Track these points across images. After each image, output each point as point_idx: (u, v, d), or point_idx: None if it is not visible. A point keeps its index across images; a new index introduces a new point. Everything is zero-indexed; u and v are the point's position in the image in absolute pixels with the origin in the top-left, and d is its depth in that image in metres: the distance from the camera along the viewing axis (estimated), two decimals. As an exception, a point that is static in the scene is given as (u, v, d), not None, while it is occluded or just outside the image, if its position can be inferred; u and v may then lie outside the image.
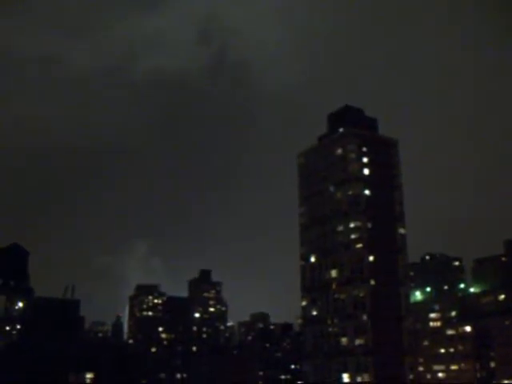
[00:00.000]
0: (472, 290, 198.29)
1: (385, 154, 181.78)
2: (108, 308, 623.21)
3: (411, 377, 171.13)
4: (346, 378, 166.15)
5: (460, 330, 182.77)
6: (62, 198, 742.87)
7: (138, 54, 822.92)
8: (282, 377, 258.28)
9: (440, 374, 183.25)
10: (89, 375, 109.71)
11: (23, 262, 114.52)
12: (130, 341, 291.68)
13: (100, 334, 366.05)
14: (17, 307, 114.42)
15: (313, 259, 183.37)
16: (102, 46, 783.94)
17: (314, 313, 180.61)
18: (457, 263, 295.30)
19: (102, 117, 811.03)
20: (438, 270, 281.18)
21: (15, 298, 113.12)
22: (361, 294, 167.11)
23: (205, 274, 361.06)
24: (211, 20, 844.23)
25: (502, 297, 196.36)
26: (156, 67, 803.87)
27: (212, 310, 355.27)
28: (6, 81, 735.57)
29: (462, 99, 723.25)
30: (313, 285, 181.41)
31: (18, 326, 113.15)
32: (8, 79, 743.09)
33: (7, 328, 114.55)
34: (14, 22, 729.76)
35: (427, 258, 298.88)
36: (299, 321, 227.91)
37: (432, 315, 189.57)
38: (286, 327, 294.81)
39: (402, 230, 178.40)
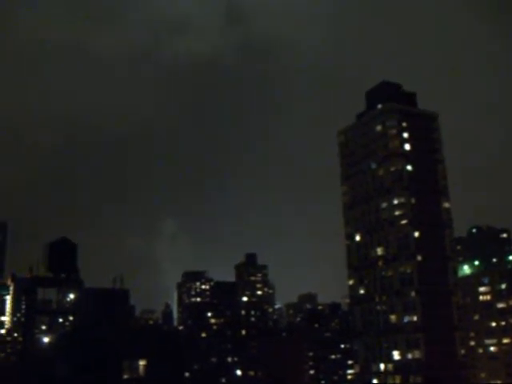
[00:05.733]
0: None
1: (425, 128, 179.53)
2: (155, 296, 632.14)
3: (463, 352, 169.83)
4: (396, 355, 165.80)
5: (511, 302, 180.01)
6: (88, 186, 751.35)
7: (164, 38, 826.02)
8: (332, 356, 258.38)
9: (492, 348, 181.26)
10: (142, 362, 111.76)
11: (72, 254, 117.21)
12: (180, 327, 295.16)
13: (151, 322, 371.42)
14: (68, 299, 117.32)
15: (358, 238, 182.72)
16: (127, 31, 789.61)
17: (362, 291, 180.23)
18: (504, 235, 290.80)
19: (128, 101, 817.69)
20: (486, 243, 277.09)
21: (66, 290, 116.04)
22: (408, 271, 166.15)
23: (250, 258, 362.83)
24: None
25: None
26: (182, 50, 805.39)
27: (259, 293, 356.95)
28: (41, 69, 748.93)
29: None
30: (359, 263, 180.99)
31: (71, 318, 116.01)
32: (40, 66, 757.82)
33: (60, 320, 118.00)
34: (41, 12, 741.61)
35: (474, 231, 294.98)
36: (347, 300, 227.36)
37: (481, 289, 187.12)
38: (334, 307, 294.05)
39: (446, 204, 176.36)
